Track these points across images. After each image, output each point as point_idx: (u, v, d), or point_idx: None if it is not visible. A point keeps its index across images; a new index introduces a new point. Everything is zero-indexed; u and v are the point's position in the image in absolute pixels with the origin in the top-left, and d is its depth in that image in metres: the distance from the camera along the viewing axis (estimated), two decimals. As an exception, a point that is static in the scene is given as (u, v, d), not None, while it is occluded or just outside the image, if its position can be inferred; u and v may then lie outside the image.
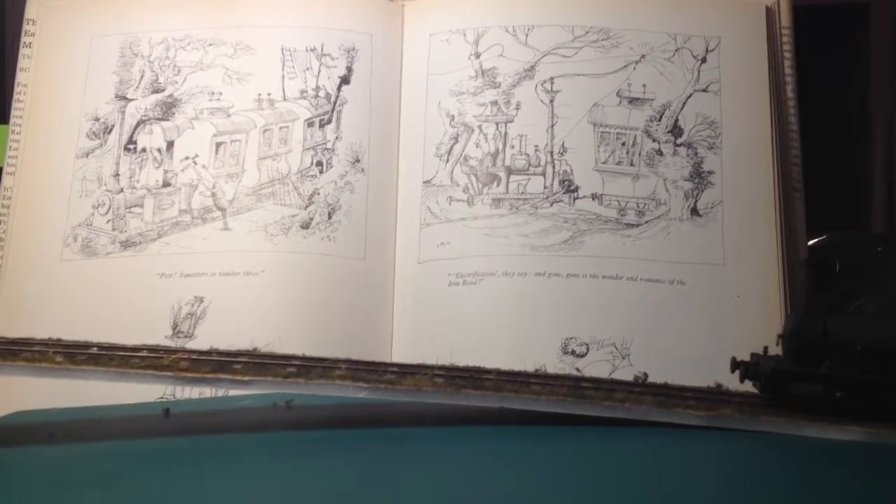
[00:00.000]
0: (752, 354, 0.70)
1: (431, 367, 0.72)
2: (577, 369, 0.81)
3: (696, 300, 0.84)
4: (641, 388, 0.72)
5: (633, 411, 0.68)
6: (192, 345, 0.82)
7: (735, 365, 0.70)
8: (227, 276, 0.85)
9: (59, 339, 0.71)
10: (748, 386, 0.73)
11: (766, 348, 0.71)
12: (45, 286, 0.85)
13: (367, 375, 0.69)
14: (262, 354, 0.72)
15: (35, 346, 0.70)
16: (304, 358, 0.71)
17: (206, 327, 0.83)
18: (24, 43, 0.91)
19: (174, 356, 0.69)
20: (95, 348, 0.70)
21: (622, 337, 0.83)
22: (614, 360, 0.82)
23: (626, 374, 0.75)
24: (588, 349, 0.83)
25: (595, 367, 0.82)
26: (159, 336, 0.83)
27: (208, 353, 0.72)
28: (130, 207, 0.88)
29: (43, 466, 0.63)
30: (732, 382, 0.74)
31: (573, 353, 0.82)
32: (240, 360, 0.71)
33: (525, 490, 0.57)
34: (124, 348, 0.71)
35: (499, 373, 0.71)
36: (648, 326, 0.83)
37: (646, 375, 0.74)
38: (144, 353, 0.70)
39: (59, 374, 0.66)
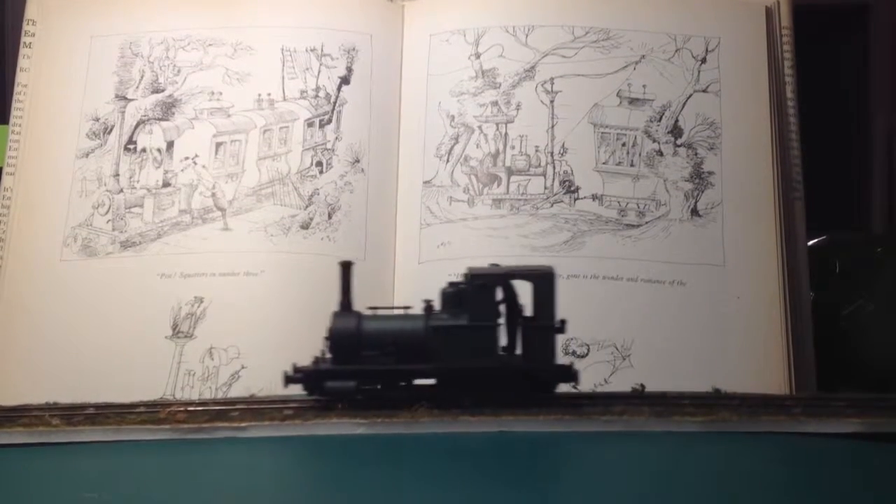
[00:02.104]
0: (314, 358, 0.71)
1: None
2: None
3: (697, 301, 0.84)
4: (639, 400, 0.72)
5: (632, 423, 0.68)
6: (191, 344, 0.83)
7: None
8: (226, 276, 0.85)
9: (55, 403, 0.72)
10: (747, 387, 0.73)
11: (323, 351, 0.72)
12: (45, 286, 0.85)
13: (364, 411, 0.69)
14: (258, 400, 0.73)
15: (32, 411, 0.70)
16: (300, 399, 0.71)
17: (205, 327, 0.83)
18: (24, 43, 0.91)
19: (170, 409, 0.69)
20: (92, 408, 0.71)
21: (623, 338, 0.83)
22: (615, 361, 0.82)
23: (626, 376, 0.75)
24: (589, 350, 0.83)
25: (595, 367, 0.82)
26: (159, 336, 0.83)
27: (204, 402, 0.72)
28: (130, 207, 0.88)
29: (43, 466, 0.63)
30: (730, 385, 0.74)
31: (574, 353, 0.82)
32: (236, 406, 0.71)
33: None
34: (120, 406, 0.71)
35: None
36: (649, 327, 0.83)
37: (643, 387, 0.75)
38: (141, 409, 0.70)
39: (58, 437, 0.66)
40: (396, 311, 0.72)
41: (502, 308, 0.70)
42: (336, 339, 0.70)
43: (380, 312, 0.71)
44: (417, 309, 0.71)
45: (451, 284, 0.70)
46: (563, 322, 0.70)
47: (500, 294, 0.70)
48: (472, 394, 0.69)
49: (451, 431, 0.67)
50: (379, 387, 0.70)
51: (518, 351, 0.71)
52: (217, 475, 0.61)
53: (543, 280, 0.70)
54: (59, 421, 0.67)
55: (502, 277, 0.69)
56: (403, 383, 0.70)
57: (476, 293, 0.69)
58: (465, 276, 0.70)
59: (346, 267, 0.72)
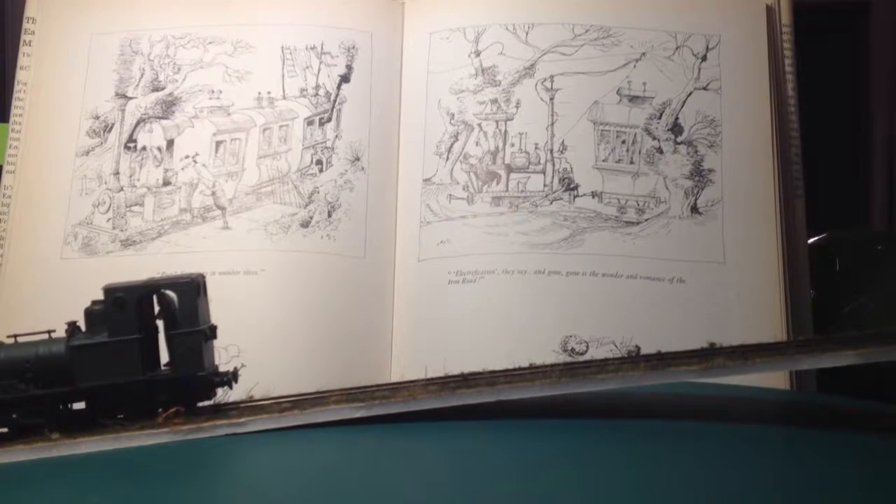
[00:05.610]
0: None
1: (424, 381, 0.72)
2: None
3: (696, 298, 0.84)
4: (634, 357, 0.71)
5: (628, 378, 0.67)
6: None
7: None
8: (226, 275, 0.85)
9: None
10: (747, 338, 0.71)
11: None
12: (46, 285, 0.85)
13: (361, 395, 0.69)
14: (256, 400, 0.72)
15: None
16: (297, 395, 0.70)
17: (205, 326, 0.83)
18: (24, 41, 0.92)
19: (166, 413, 0.69)
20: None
21: (622, 335, 0.83)
22: (614, 358, 0.82)
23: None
24: (588, 347, 0.83)
25: (595, 365, 0.82)
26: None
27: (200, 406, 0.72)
28: (131, 206, 0.88)
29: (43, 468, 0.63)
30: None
31: (573, 350, 0.82)
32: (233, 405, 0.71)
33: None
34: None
35: (491, 372, 0.71)
36: (648, 324, 0.83)
37: (638, 349, 0.74)
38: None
39: (58, 450, 0.66)
40: (40, 336, 0.68)
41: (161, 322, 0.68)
42: None
43: (22, 339, 0.68)
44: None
45: (95, 302, 0.67)
46: (212, 328, 0.68)
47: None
48: (121, 411, 0.67)
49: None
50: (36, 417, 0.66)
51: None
52: None
53: (184, 288, 0.67)
54: (58, 434, 0.67)
55: (138, 290, 0.67)
56: (56, 409, 0.67)
57: (113, 308, 0.66)
58: (104, 291, 0.68)
59: None
